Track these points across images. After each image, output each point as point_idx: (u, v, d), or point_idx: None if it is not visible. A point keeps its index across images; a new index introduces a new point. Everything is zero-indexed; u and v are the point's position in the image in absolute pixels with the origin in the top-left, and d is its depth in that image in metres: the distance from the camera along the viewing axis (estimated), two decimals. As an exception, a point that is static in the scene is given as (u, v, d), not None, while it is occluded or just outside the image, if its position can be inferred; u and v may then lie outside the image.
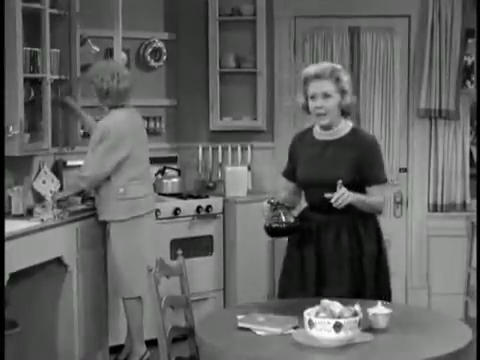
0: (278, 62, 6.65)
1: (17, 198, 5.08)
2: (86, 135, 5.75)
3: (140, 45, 6.45)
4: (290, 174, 4.10)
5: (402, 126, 6.68)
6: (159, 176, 6.33)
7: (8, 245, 4.14)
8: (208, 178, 6.70)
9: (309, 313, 3.05)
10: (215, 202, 6.25)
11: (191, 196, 6.32)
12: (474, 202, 6.50)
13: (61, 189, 5.61)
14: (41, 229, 4.77)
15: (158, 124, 6.51)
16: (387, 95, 6.66)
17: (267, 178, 6.70)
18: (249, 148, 6.68)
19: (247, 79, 6.61)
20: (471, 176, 6.64)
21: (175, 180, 6.38)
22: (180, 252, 3.92)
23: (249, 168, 6.61)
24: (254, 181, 6.64)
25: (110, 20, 5.77)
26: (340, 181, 3.72)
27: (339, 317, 3.01)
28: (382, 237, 4.01)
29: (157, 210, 5.60)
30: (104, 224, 5.29)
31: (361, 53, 6.62)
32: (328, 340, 3.02)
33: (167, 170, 6.39)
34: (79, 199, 5.44)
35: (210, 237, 6.22)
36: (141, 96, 6.21)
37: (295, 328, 3.23)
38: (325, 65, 3.99)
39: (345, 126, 3.98)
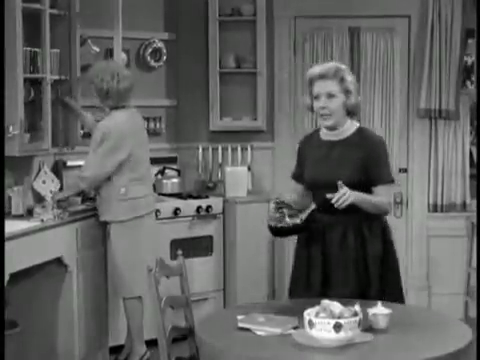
0: (278, 62, 6.66)
1: (17, 198, 5.08)
2: (86, 135, 5.75)
3: (140, 45, 6.45)
4: (299, 176, 4.09)
5: (402, 126, 6.68)
6: (159, 176, 6.33)
7: (8, 245, 4.14)
8: (208, 178, 6.70)
9: (309, 313, 3.05)
10: (215, 202, 6.25)
11: (191, 196, 6.32)
12: (474, 202, 6.50)
13: (61, 189, 5.61)
14: (41, 229, 4.77)
15: (158, 124, 6.51)
16: (387, 95, 6.66)
17: (267, 178, 6.70)
18: (249, 148, 6.68)
19: (247, 79, 6.61)
20: (471, 176, 6.64)
21: (175, 180, 6.38)
22: (180, 252, 3.91)
23: (249, 168, 6.61)
24: (254, 181, 6.65)
25: (110, 20, 5.77)
26: (340, 182, 3.71)
27: (339, 317, 3.01)
28: (389, 238, 3.97)
29: (157, 210, 5.60)
30: (104, 224, 5.29)
31: (361, 53, 6.62)
32: (328, 340, 3.02)
33: (167, 170, 6.39)
34: (79, 199, 5.44)
35: (210, 237, 6.22)
36: (141, 96, 6.21)
37: (295, 328, 3.23)
38: (329, 65, 3.97)
39: (351, 126, 3.96)
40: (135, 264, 5.14)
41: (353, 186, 3.75)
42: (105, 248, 5.38)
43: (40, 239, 4.74)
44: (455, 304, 6.47)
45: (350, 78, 3.91)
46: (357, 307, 3.08)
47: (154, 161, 5.58)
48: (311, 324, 3.02)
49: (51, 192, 5.47)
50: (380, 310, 3.27)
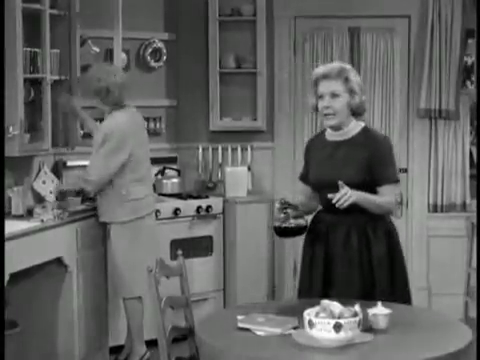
0: (278, 62, 6.66)
1: (17, 198, 5.08)
2: (86, 135, 5.76)
3: (140, 45, 6.45)
4: (306, 177, 4.08)
5: (402, 126, 6.68)
6: (159, 176, 6.33)
7: (8, 245, 4.14)
8: (208, 178, 6.70)
9: (309, 313, 3.05)
10: (215, 202, 6.25)
11: (191, 196, 6.32)
12: (474, 202, 6.50)
13: (61, 190, 5.60)
14: (41, 229, 4.77)
15: (158, 124, 6.51)
16: (387, 95, 6.66)
17: (267, 178, 6.70)
18: (249, 148, 6.68)
19: (247, 79, 6.61)
20: (471, 176, 6.64)
21: (175, 180, 6.38)
22: (180, 252, 3.91)
23: (249, 168, 6.61)
24: (254, 181, 6.65)
25: (110, 20, 5.77)
26: (341, 182, 3.71)
27: (339, 317, 3.01)
28: (394, 238, 3.95)
29: (157, 210, 5.60)
30: (104, 224, 5.29)
31: (361, 53, 6.62)
32: (328, 340, 3.02)
33: (167, 170, 6.39)
34: (79, 199, 5.44)
35: (210, 237, 6.22)
36: (141, 96, 6.22)
37: (295, 328, 3.23)
38: (333, 65, 3.98)
39: (356, 126, 3.95)
40: (135, 264, 5.14)
41: (358, 186, 3.75)
42: (105, 248, 5.38)
43: (40, 239, 4.74)
44: (455, 304, 6.47)
45: (355, 78, 3.90)
46: (357, 307, 3.08)
47: (154, 161, 5.58)
48: (311, 324, 3.02)
49: (51, 192, 5.47)
50: (380, 310, 3.27)
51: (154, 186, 5.79)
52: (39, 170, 5.58)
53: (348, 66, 3.97)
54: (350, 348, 3.04)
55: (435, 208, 6.69)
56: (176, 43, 6.64)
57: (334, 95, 3.87)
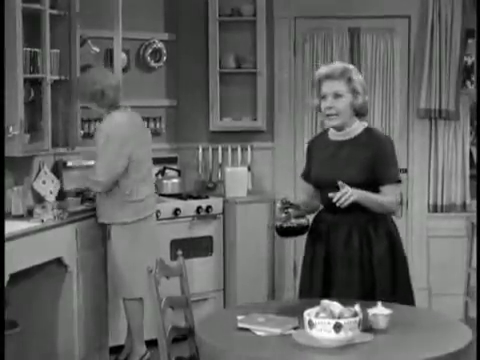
0: (278, 62, 6.66)
1: (17, 198, 5.08)
2: (86, 136, 5.76)
3: (140, 46, 6.45)
4: (307, 176, 4.09)
5: (402, 126, 6.68)
6: (159, 177, 6.33)
7: (8, 245, 4.14)
8: (208, 179, 6.70)
9: (309, 313, 3.06)
10: (215, 203, 6.25)
11: (191, 196, 6.32)
12: (474, 203, 6.50)
13: (61, 190, 5.61)
14: (41, 229, 4.77)
15: (158, 124, 6.50)
16: (387, 95, 6.66)
17: (267, 178, 6.70)
18: (249, 148, 6.68)
19: (247, 79, 6.61)
20: (471, 177, 6.64)
21: (175, 181, 6.38)
22: (180, 252, 3.91)
23: (249, 168, 6.61)
24: (254, 181, 6.65)
25: (110, 21, 5.77)
26: (340, 182, 3.71)
27: (339, 317, 3.01)
28: (395, 238, 3.96)
29: (157, 211, 5.59)
30: (104, 225, 5.28)
31: (361, 54, 6.62)
32: (328, 340, 3.02)
33: (167, 170, 6.38)
34: (79, 199, 5.44)
35: (210, 237, 6.22)
36: (141, 96, 6.23)
37: (295, 328, 3.23)
38: (336, 65, 3.98)
39: (359, 126, 3.95)
40: (135, 265, 5.13)
41: (360, 185, 3.76)
42: (105, 248, 5.38)
43: (40, 239, 4.74)
44: (455, 304, 6.47)
45: (358, 78, 3.90)
46: (357, 307, 3.08)
47: (154, 161, 5.58)
48: (311, 324, 3.02)
49: (51, 192, 5.47)
50: (380, 310, 3.27)
51: (155, 186, 5.78)
52: (39, 170, 5.58)
53: (351, 66, 3.97)
54: (350, 348, 3.04)
55: (435, 208, 6.69)
56: (176, 43, 6.64)
57: (337, 95, 3.87)
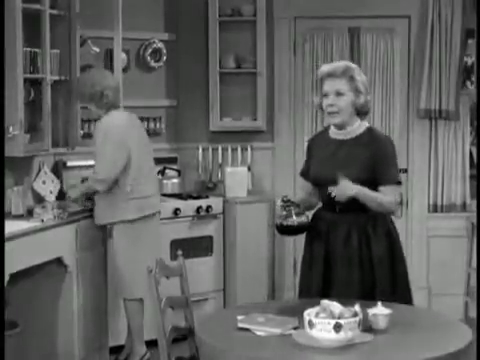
0: (278, 62, 6.66)
1: (17, 198, 5.08)
2: (86, 136, 5.76)
3: (140, 46, 6.45)
4: (306, 173, 4.09)
5: (402, 126, 6.68)
6: (159, 176, 6.32)
7: (8, 245, 4.14)
8: (208, 179, 6.70)
9: (309, 314, 3.06)
10: (215, 202, 6.26)
11: (191, 196, 6.32)
12: (474, 203, 6.50)
13: (61, 190, 5.60)
14: (41, 229, 4.77)
15: (158, 124, 6.50)
16: (387, 95, 6.66)
17: (267, 178, 6.70)
18: (249, 148, 6.68)
19: (247, 79, 6.61)
20: (471, 177, 6.64)
21: (175, 181, 6.38)
22: (180, 252, 3.91)
23: (249, 168, 6.61)
24: (254, 181, 6.65)
25: (110, 21, 5.76)
26: (341, 174, 3.71)
27: (339, 317, 3.01)
28: (395, 238, 3.96)
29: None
30: (104, 226, 5.28)
31: (361, 54, 6.62)
32: (328, 340, 3.02)
33: (167, 170, 6.38)
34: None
35: (210, 237, 6.22)
36: (141, 96, 6.23)
37: (295, 328, 3.23)
38: (339, 64, 3.99)
39: (360, 126, 3.95)
40: (136, 265, 5.13)
41: (359, 185, 3.77)
42: (105, 248, 5.38)
43: (40, 239, 4.74)
44: (455, 304, 6.47)
45: (360, 77, 3.91)
46: (357, 307, 3.08)
47: (154, 161, 5.58)
48: (311, 324, 3.02)
49: (51, 192, 5.47)
50: (380, 310, 3.27)
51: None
52: (39, 170, 5.58)
53: (353, 65, 3.97)
54: (350, 348, 3.04)
55: (435, 208, 6.69)
56: (176, 43, 6.64)
57: (339, 94, 3.87)
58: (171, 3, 6.61)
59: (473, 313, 6.29)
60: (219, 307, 6.21)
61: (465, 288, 6.56)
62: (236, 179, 6.44)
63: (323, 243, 3.92)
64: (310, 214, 4.01)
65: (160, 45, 6.51)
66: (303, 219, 3.88)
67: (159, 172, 6.31)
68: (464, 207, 6.69)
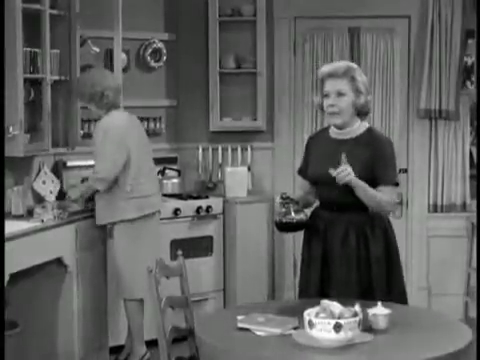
0: (278, 62, 6.66)
1: (17, 198, 5.08)
2: (86, 136, 5.76)
3: (140, 46, 6.45)
4: (304, 172, 4.10)
5: (402, 126, 6.68)
6: (159, 177, 6.32)
7: (8, 245, 4.14)
8: (208, 179, 6.70)
9: (309, 314, 3.06)
10: (215, 203, 6.26)
11: (191, 197, 6.32)
12: (474, 203, 6.50)
13: (61, 190, 5.60)
14: (41, 229, 4.77)
15: (158, 124, 6.50)
16: (387, 95, 6.66)
17: (267, 178, 6.70)
18: (249, 149, 6.68)
19: (247, 79, 6.61)
20: (471, 177, 6.64)
21: (175, 181, 6.38)
22: (180, 252, 3.92)
23: (249, 169, 6.61)
24: (254, 181, 6.65)
25: (110, 21, 5.76)
26: (344, 154, 3.72)
27: (339, 317, 3.01)
28: (391, 238, 3.97)
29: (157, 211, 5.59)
30: (104, 226, 5.28)
31: (361, 54, 6.62)
32: (328, 340, 3.02)
33: (167, 171, 6.38)
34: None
35: (210, 237, 6.22)
36: (141, 96, 6.23)
37: (295, 328, 3.23)
38: (340, 64, 3.99)
39: (360, 126, 3.96)
40: (136, 265, 5.13)
41: None
42: (105, 248, 5.38)
43: (40, 239, 4.74)
44: (455, 304, 6.47)
45: (361, 78, 3.91)
46: (357, 307, 3.08)
47: (154, 161, 5.58)
48: (311, 324, 3.02)
49: (51, 192, 5.47)
50: (380, 310, 3.27)
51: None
52: (39, 170, 5.58)
53: (355, 65, 3.97)
54: (350, 348, 3.04)
55: (435, 208, 6.69)
56: (176, 43, 6.63)
57: (340, 94, 3.87)
58: (171, 3, 6.61)
59: (473, 313, 6.29)
60: (219, 307, 6.21)
61: (465, 288, 6.56)
62: (236, 179, 6.44)
63: (321, 242, 3.93)
64: (309, 211, 4.02)
65: (160, 45, 6.51)
66: (302, 216, 3.89)
67: (159, 172, 6.30)
68: (464, 207, 6.69)
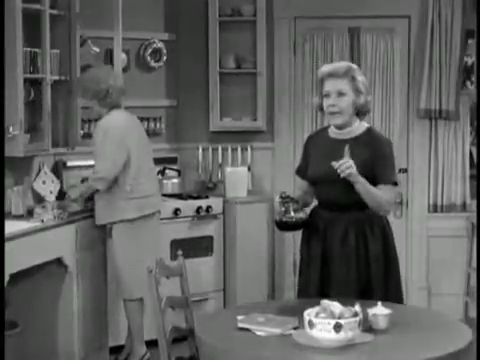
0: (278, 62, 6.65)
1: (17, 198, 5.08)
2: (86, 136, 5.76)
3: (140, 46, 6.45)
4: (302, 171, 4.10)
5: (402, 127, 6.68)
6: (159, 177, 6.32)
7: (8, 245, 4.14)
8: (208, 179, 6.70)
9: (309, 314, 3.06)
10: (215, 203, 6.25)
11: (191, 197, 6.32)
12: (474, 203, 6.50)
13: (61, 190, 5.60)
14: (41, 229, 4.77)
15: (158, 124, 6.50)
16: (387, 96, 6.66)
17: (267, 178, 6.70)
18: (249, 149, 6.68)
19: (247, 79, 6.61)
20: (471, 177, 6.64)
21: (175, 181, 6.38)
22: (180, 252, 3.92)
23: (249, 169, 6.61)
24: (254, 182, 6.65)
25: (110, 21, 5.77)
26: (347, 146, 3.72)
27: (339, 318, 3.01)
28: (389, 237, 3.97)
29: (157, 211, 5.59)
30: (104, 225, 5.28)
31: (361, 54, 6.62)
32: (328, 340, 3.02)
33: (167, 171, 6.38)
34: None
35: (210, 237, 6.22)
36: (141, 96, 6.23)
37: (295, 328, 3.23)
38: (340, 64, 4.00)
39: (360, 126, 3.96)
40: (136, 265, 5.13)
41: None
42: (105, 248, 5.38)
43: (40, 239, 4.74)
44: (455, 304, 6.47)
45: (361, 78, 3.92)
46: (357, 307, 3.08)
47: (154, 161, 5.58)
48: (311, 324, 3.03)
49: (51, 192, 5.47)
50: (380, 310, 3.27)
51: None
52: (39, 170, 5.58)
53: (354, 66, 3.98)
54: (350, 348, 3.04)
55: (435, 208, 6.69)
56: (176, 43, 6.63)
57: (340, 94, 3.88)
58: (171, 3, 6.61)
59: (473, 313, 6.29)
60: (219, 307, 6.21)
61: (465, 288, 6.56)
62: (236, 179, 6.44)
63: (320, 241, 3.94)
64: (308, 210, 4.03)
65: (160, 45, 6.51)
66: (301, 215, 3.90)
67: (159, 172, 6.31)
68: (464, 207, 6.69)
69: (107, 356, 5.52)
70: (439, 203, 6.68)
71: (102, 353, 5.47)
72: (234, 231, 6.30)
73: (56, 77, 5.42)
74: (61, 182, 5.68)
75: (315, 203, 4.10)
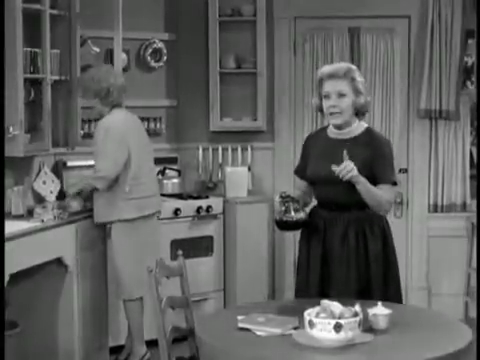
0: (278, 62, 6.66)
1: (17, 198, 5.08)
2: (86, 135, 5.76)
3: (140, 46, 6.45)
4: (301, 171, 4.10)
5: (402, 127, 6.68)
6: (159, 177, 6.32)
7: (8, 246, 4.14)
8: (208, 179, 6.70)
9: (309, 313, 3.06)
10: (215, 203, 6.26)
11: (191, 197, 6.32)
12: (474, 203, 6.50)
13: (61, 190, 5.60)
14: (41, 229, 4.77)
15: (158, 125, 6.50)
16: (387, 96, 6.66)
17: (267, 178, 6.70)
18: (249, 149, 6.68)
19: (247, 79, 6.61)
20: (471, 177, 6.64)
21: (175, 181, 6.38)
22: (180, 252, 3.92)
23: (249, 169, 6.61)
24: (254, 182, 6.65)
25: (110, 21, 5.76)
26: (345, 151, 3.72)
27: (339, 318, 3.01)
28: (389, 237, 3.98)
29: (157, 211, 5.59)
30: (104, 224, 5.28)
31: (361, 54, 6.62)
32: (328, 340, 3.02)
33: (167, 171, 6.39)
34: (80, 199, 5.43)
35: (210, 237, 6.22)
36: (141, 96, 6.23)
37: (295, 328, 3.23)
38: (340, 65, 4.01)
39: (359, 126, 3.98)
40: (136, 265, 5.13)
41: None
42: (105, 248, 5.38)
43: (40, 239, 4.74)
44: (455, 304, 6.47)
45: (360, 78, 3.94)
46: (357, 307, 3.08)
47: (154, 161, 5.58)
48: (311, 324, 3.03)
49: (51, 192, 5.47)
50: (380, 310, 3.27)
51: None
52: (39, 170, 5.58)
53: (354, 66, 4.00)
54: (350, 348, 3.04)
55: (435, 208, 6.69)
56: (176, 43, 6.64)
57: (341, 95, 3.89)
58: (171, 3, 6.61)
59: (473, 313, 6.30)
60: (219, 307, 6.21)
61: (465, 288, 6.56)
62: (236, 179, 6.44)
63: (320, 241, 3.94)
64: (308, 210, 4.03)
65: (160, 45, 6.51)
66: (301, 215, 3.90)
67: (159, 172, 6.31)
68: (464, 207, 6.69)
69: (107, 356, 5.52)
70: (439, 203, 6.68)
71: (102, 353, 5.47)
72: (234, 231, 6.30)
73: (56, 77, 5.42)
74: (61, 182, 5.68)
75: (314, 203, 4.10)
